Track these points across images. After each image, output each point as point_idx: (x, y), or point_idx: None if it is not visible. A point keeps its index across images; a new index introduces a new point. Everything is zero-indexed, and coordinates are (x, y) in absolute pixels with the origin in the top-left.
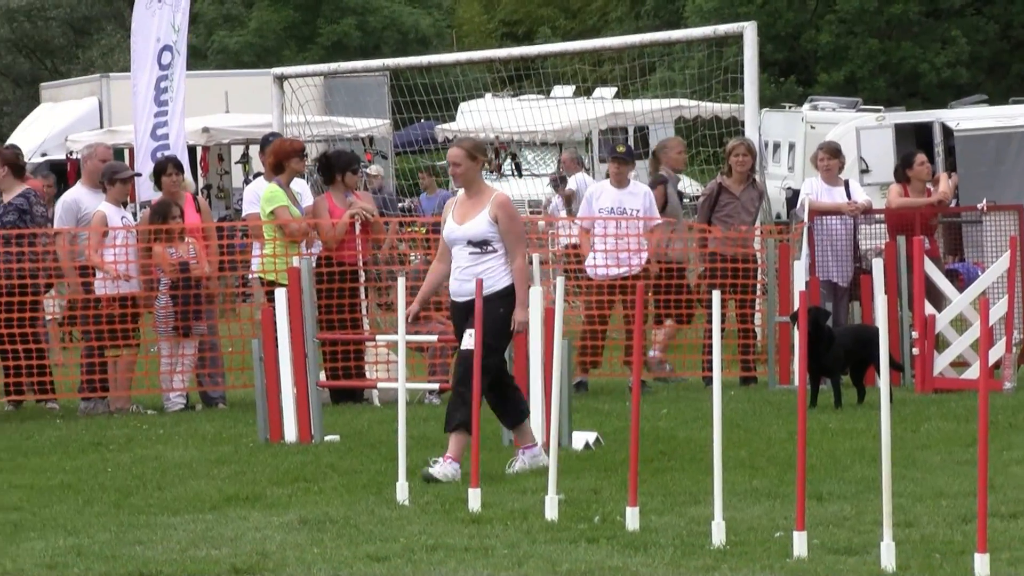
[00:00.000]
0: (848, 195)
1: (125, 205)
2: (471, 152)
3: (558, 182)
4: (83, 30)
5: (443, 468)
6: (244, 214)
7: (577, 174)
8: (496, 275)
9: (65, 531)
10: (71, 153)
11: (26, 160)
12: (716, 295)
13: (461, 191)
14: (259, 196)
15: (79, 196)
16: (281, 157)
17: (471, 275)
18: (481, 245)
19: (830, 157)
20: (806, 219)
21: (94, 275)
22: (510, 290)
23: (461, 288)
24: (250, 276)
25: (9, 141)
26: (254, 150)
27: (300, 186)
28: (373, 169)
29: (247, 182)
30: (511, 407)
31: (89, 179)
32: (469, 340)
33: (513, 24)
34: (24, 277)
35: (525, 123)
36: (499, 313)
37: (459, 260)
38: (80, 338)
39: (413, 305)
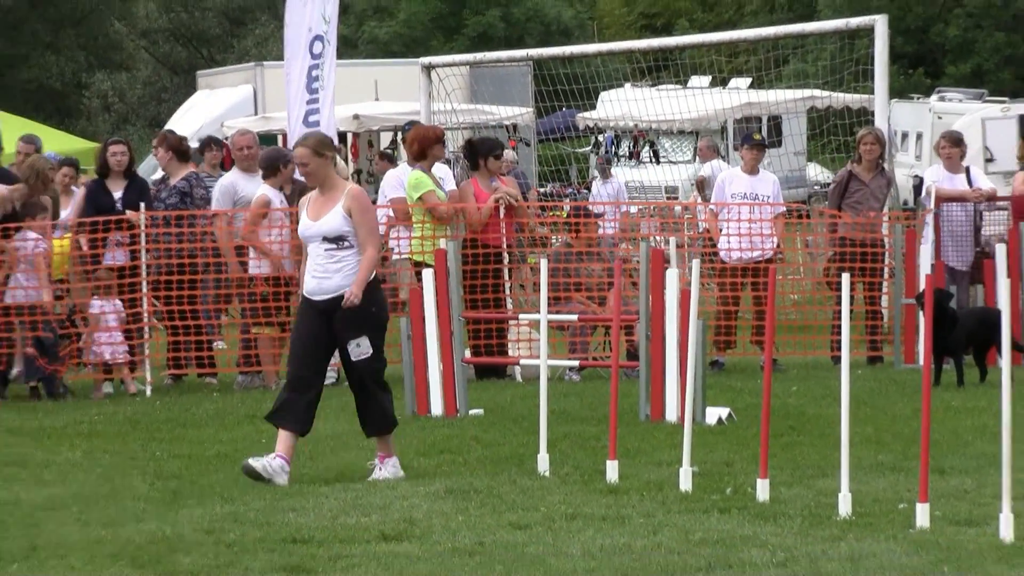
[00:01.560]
0: (970, 182)
1: (282, 188)
2: (316, 150)
3: (604, 165)
4: (238, 20)
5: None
6: (388, 198)
7: (712, 161)
8: (354, 272)
9: (222, 499)
10: (226, 139)
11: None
12: (845, 278)
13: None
14: (402, 181)
15: (235, 180)
16: (423, 144)
17: (328, 272)
18: (337, 241)
19: (951, 145)
20: (932, 206)
21: (248, 255)
22: (373, 284)
23: (319, 287)
24: (396, 257)
25: (167, 127)
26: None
27: (442, 171)
28: (508, 155)
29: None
30: (379, 412)
31: (240, 162)
32: (357, 350)
33: (652, 16)
34: (183, 257)
35: (663, 112)
36: (371, 312)
37: (315, 257)
38: (236, 315)
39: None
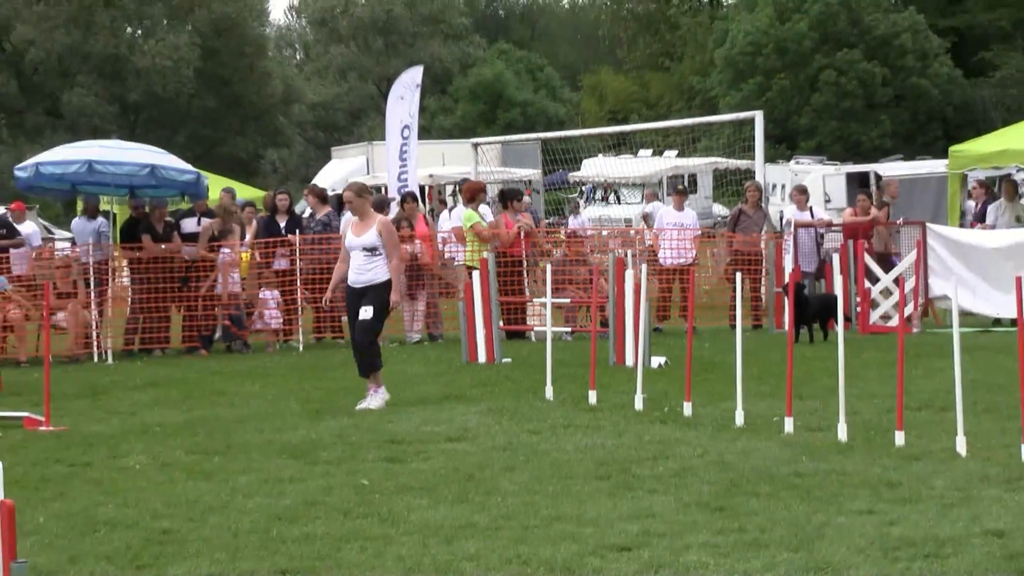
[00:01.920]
0: (812, 216)
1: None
2: (358, 193)
3: (575, 206)
4: (357, 115)
5: (373, 400)
6: (451, 226)
7: (654, 202)
8: (381, 271)
9: (347, 415)
10: None
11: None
12: (738, 276)
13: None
14: (460, 217)
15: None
16: (473, 192)
17: (364, 270)
18: (371, 250)
19: (799, 193)
20: (791, 231)
21: None
22: (390, 282)
23: (357, 279)
24: (456, 263)
25: (313, 182)
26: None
27: (485, 210)
28: (526, 199)
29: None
30: (370, 359)
31: None
32: (363, 313)
33: (615, 111)
34: (325, 263)
35: (622, 171)
36: (383, 297)
37: (356, 260)
38: None
39: (328, 293)
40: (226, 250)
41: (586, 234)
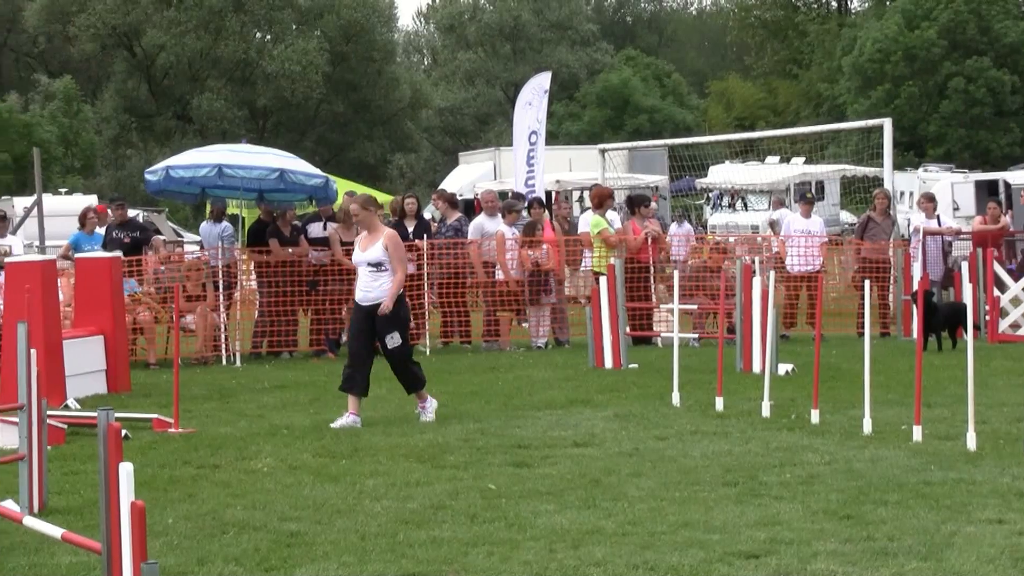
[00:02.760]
0: (939, 224)
1: (512, 224)
2: (364, 206)
3: (681, 215)
4: (484, 121)
5: (426, 414)
6: (579, 231)
7: (781, 209)
8: (388, 287)
9: (474, 419)
10: (476, 195)
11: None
12: (866, 283)
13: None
14: (587, 222)
15: (483, 221)
16: (601, 198)
17: (372, 287)
18: (377, 266)
19: (927, 201)
20: (921, 237)
21: (494, 267)
22: (400, 297)
23: (365, 296)
24: (583, 269)
25: (440, 187)
26: (586, 194)
27: (612, 215)
28: (653, 206)
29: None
30: (413, 378)
31: (486, 210)
32: (391, 341)
33: (742, 118)
34: (458, 268)
35: (749, 178)
36: (399, 314)
37: (363, 276)
38: (482, 304)
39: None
40: None
41: (689, 243)
